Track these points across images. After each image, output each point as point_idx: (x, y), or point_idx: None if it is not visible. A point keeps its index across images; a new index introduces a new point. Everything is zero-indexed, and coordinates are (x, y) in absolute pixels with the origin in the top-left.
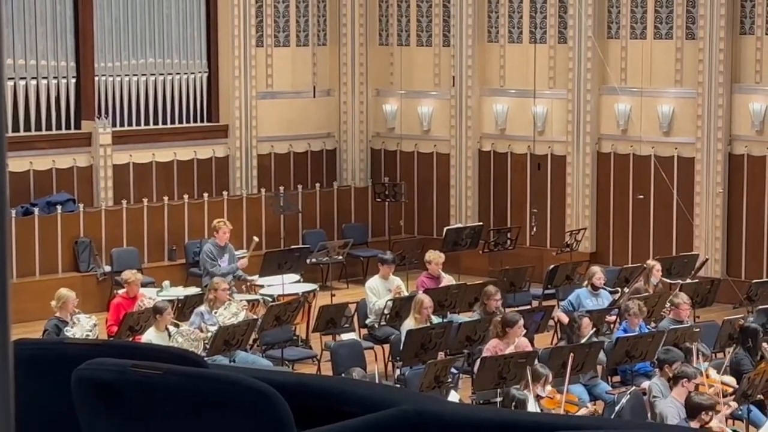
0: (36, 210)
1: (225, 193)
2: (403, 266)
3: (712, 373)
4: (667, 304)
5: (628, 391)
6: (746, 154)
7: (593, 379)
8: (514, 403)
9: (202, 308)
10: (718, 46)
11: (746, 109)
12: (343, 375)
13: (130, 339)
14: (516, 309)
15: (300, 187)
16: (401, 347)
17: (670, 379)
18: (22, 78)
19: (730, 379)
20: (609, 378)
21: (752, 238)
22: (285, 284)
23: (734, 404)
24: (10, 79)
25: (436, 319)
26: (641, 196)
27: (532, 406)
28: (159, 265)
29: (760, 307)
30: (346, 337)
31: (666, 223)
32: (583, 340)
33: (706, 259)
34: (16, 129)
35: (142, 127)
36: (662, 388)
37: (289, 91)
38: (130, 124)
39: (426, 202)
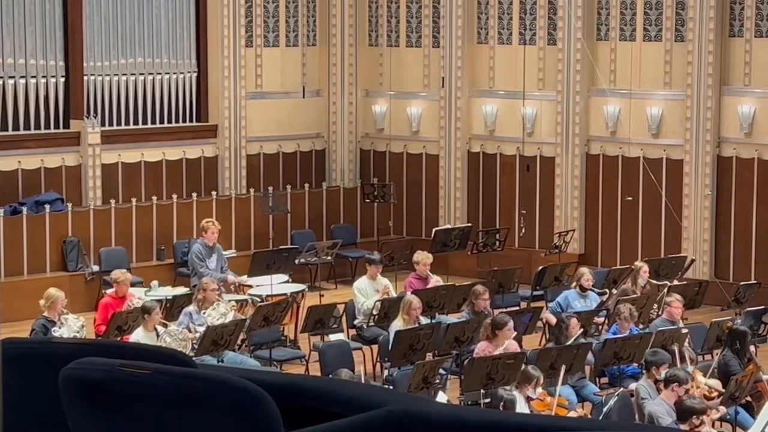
0: (24, 209)
1: (214, 193)
2: (391, 267)
3: (698, 375)
4: (655, 305)
5: (616, 393)
6: (735, 156)
7: (581, 381)
8: (502, 404)
9: (191, 308)
10: (707, 48)
11: (735, 111)
12: (331, 376)
13: (118, 339)
14: (504, 310)
15: (289, 187)
16: (389, 348)
17: (657, 381)
18: (10, 77)
19: (716, 383)
20: (597, 379)
21: (740, 241)
22: (273, 284)
23: (723, 409)
24: None
25: (424, 320)
26: (630, 198)
27: (522, 408)
28: (147, 264)
29: (748, 309)
30: (334, 337)
31: (654, 224)
32: (570, 341)
33: (693, 260)
34: (4, 128)
35: (131, 126)
36: (649, 390)
37: (279, 92)
38: (119, 124)
39: (415, 203)
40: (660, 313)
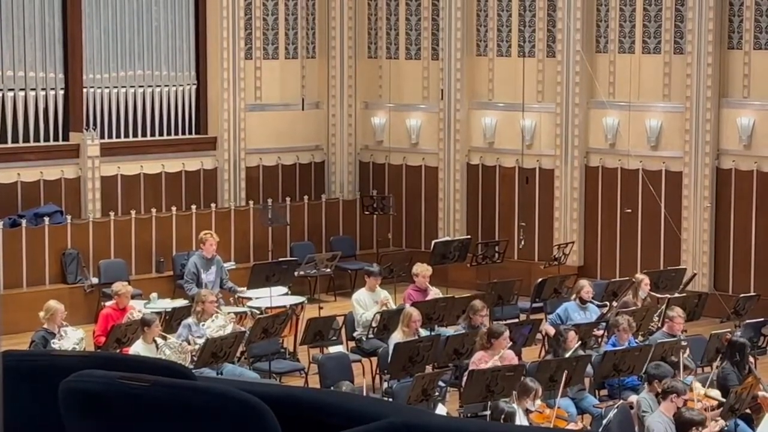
0: (23, 221)
1: (213, 205)
2: (390, 279)
3: (697, 386)
4: (655, 318)
5: (616, 405)
6: (734, 168)
7: (580, 392)
8: (503, 416)
9: (190, 320)
10: (706, 60)
11: (734, 123)
12: (332, 388)
13: (118, 351)
14: (504, 322)
15: (288, 199)
16: (389, 360)
17: (658, 394)
18: (10, 89)
19: (716, 393)
20: (596, 391)
21: (739, 253)
22: (273, 296)
23: (722, 422)
24: None
25: (423, 332)
26: (629, 210)
27: (521, 420)
28: (147, 277)
29: (747, 321)
30: (333, 349)
31: (654, 237)
32: (568, 354)
33: (695, 274)
34: (3, 140)
35: (131, 138)
36: (651, 402)
37: (278, 104)
38: (118, 136)
39: (414, 215)
40: (660, 326)
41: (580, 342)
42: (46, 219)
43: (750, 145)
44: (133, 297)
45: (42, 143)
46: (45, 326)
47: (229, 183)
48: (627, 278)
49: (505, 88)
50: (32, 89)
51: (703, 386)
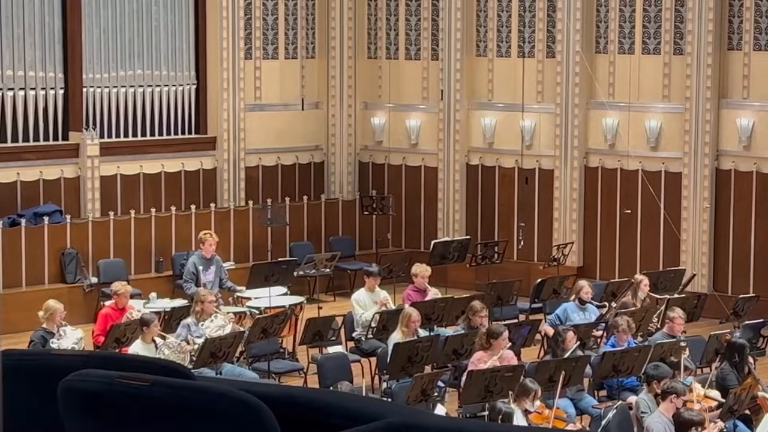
0: (23, 221)
1: (212, 205)
2: (390, 279)
3: (697, 387)
4: (654, 318)
5: (615, 406)
6: (733, 169)
7: (579, 393)
8: (500, 417)
9: (189, 320)
10: (706, 61)
11: (733, 124)
12: (331, 388)
13: (117, 351)
14: (503, 322)
15: (287, 199)
16: (388, 360)
17: (657, 395)
18: (10, 89)
19: (715, 393)
20: (595, 392)
21: (739, 254)
22: (272, 297)
23: (721, 423)
24: None
25: (422, 333)
26: (628, 211)
27: (520, 421)
28: (146, 276)
29: (747, 322)
30: (332, 350)
31: (653, 237)
32: (567, 354)
33: (694, 275)
34: (3, 140)
35: (130, 138)
36: (649, 403)
37: (278, 104)
38: (117, 136)
39: (413, 216)
40: (660, 326)
41: (579, 342)
42: (46, 218)
43: (749, 146)
44: (132, 297)
45: (42, 143)
46: (44, 326)
47: (228, 183)
48: (626, 279)
49: (505, 89)
50: (32, 89)
51: (703, 387)
